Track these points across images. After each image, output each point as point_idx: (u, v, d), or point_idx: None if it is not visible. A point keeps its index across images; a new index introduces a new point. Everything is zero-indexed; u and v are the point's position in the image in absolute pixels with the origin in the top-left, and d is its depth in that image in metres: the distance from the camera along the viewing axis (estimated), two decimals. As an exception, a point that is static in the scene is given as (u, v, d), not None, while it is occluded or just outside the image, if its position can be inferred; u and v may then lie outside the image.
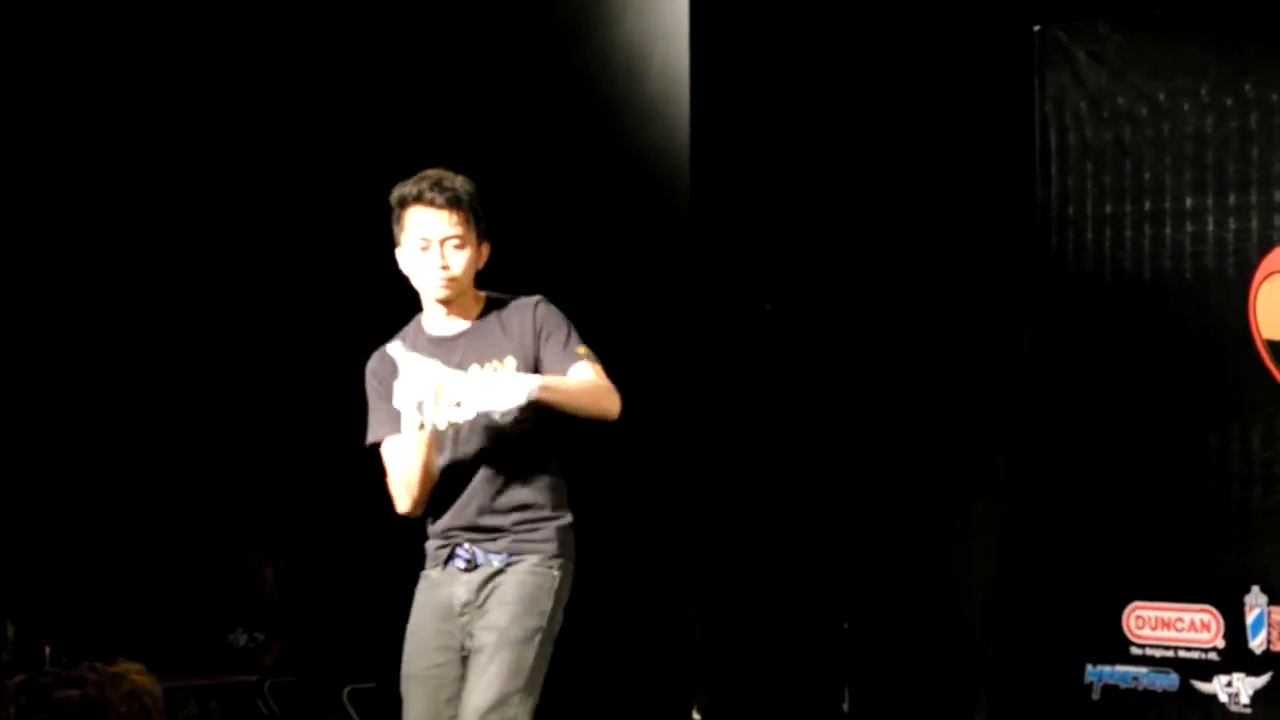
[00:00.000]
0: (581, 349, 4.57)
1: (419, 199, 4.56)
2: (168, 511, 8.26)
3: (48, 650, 6.96)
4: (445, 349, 4.60)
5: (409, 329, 4.71)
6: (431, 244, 4.56)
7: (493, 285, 4.73)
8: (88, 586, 7.98)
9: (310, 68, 7.97)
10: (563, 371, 4.54)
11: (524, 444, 4.58)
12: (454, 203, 4.55)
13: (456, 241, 4.56)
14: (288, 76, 8.03)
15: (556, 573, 4.58)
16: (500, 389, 4.43)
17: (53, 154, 7.96)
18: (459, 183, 4.59)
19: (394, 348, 4.57)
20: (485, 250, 4.65)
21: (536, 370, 4.55)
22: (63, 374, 8.13)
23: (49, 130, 7.95)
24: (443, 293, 4.60)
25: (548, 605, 4.55)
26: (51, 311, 8.06)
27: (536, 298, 4.65)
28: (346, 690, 7.66)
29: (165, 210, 8.21)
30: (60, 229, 8.03)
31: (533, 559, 4.56)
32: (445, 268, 4.57)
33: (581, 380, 4.53)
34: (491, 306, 4.67)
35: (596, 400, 4.53)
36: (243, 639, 8.18)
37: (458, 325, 4.65)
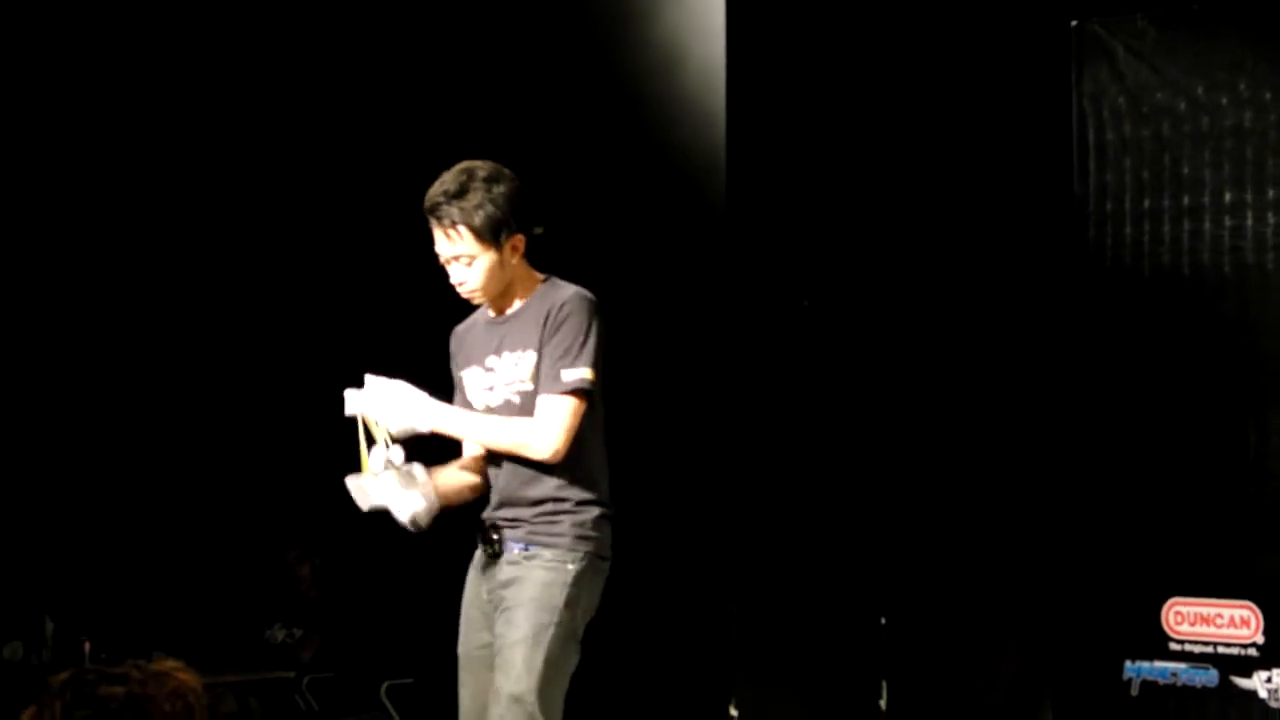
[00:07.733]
0: (572, 375, 4.52)
1: (431, 212, 4.57)
2: (205, 508, 8.28)
3: (87, 647, 6.99)
4: (492, 332, 4.69)
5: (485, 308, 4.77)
6: (446, 261, 4.61)
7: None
8: (126, 584, 8.01)
9: (342, 65, 7.98)
10: (539, 394, 4.55)
11: None
12: (454, 223, 4.53)
13: (466, 260, 4.57)
14: (317, 76, 8.04)
15: (572, 566, 4.54)
16: (407, 413, 4.57)
17: (71, 158, 8.00)
18: (474, 182, 4.53)
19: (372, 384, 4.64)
20: (518, 242, 4.58)
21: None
22: (102, 373, 8.17)
23: (54, 133, 7.98)
24: (472, 301, 4.70)
25: (559, 601, 4.51)
26: (96, 310, 8.09)
27: (572, 298, 4.59)
28: (385, 686, 7.68)
29: (212, 208, 8.25)
30: (118, 225, 8.08)
31: (548, 553, 4.55)
32: (461, 284, 4.62)
33: (509, 421, 4.56)
34: (541, 294, 4.65)
35: (511, 445, 4.57)
36: (280, 635, 8.20)
37: (507, 311, 4.69)
